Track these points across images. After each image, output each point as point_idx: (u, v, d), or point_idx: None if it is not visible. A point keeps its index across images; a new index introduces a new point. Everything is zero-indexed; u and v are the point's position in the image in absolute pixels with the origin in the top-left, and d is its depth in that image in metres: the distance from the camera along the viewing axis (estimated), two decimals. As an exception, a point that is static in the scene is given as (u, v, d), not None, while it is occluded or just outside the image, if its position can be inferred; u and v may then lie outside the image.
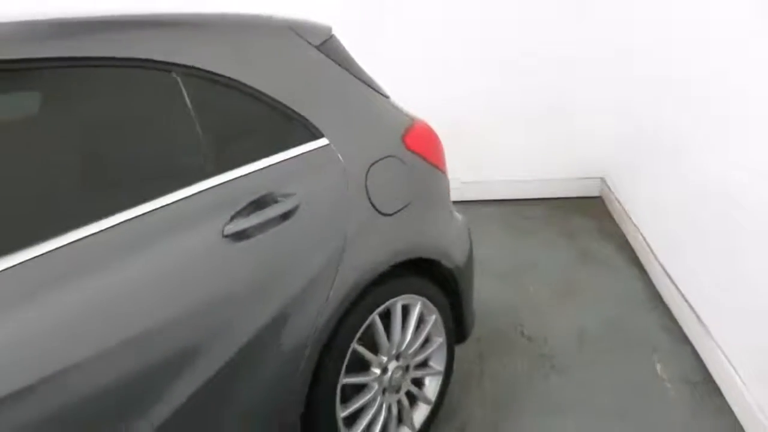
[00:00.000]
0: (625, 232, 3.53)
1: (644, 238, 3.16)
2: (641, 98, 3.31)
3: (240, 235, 1.43)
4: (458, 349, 2.20)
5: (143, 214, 1.29)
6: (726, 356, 2.21)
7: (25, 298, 1.12)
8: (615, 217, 3.75)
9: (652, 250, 3.03)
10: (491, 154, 4.01)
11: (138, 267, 1.26)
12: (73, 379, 1.15)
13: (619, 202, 3.67)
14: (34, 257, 1.13)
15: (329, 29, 1.86)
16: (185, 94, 1.42)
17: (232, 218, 1.43)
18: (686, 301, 2.57)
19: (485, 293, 2.84)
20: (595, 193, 4.10)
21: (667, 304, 2.79)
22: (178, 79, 1.42)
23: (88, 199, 1.26)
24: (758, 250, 1.96)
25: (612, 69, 3.68)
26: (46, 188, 1.21)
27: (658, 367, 2.40)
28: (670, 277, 2.77)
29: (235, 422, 1.48)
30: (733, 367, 2.16)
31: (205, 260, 1.38)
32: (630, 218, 3.43)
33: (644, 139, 3.25)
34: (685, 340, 2.55)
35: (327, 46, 1.80)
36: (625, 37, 3.49)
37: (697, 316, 2.46)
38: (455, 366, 2.17)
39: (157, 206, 1.32)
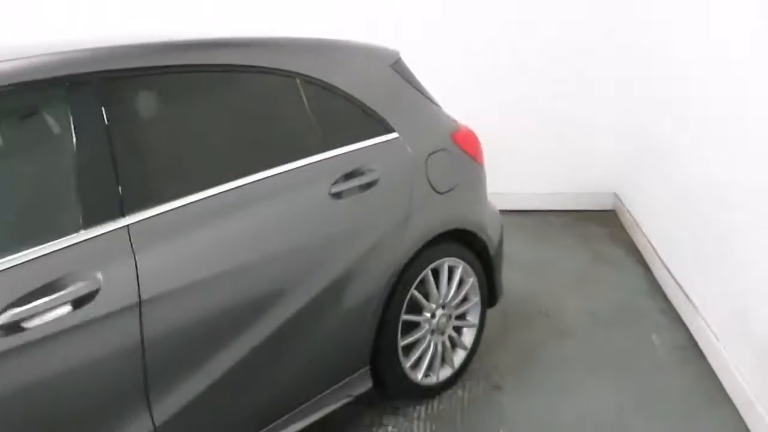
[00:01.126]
0: (634, 239, 4.05)
1: (649, 242, 3.69)
2: (651, 119, 3.86)
3: (339, 195, 2.03)
4: (487, 323, 2.73)
5: (279, 173, 1.90)
6: (710, 327, 2.72)
7: (221, 214, 1.72)
8: (626, 227, 4.27)
9: (655, 251, 3.55)
10: (512, 168, 4.54)
11: (278, 206, 1.87)
12: (220, 284, 1.72)
13: (630, 213, 4.20)
14: (226, 190, 1.74)
15: (398, 53, 2.47)
16: (303, 95, 2.03)
17: (335, 182, 2.02)
18: (681, 289, 3.08)
19: (511, 282, 3.37)
20: (609, 207, 4.63)
21: (665, 294, 3.30)
22: (298, 83, 2.03)
23: (248, 158, 1.86)
24: (742, 253, 2.47)
25: (628, 91, 4.24)
26: (229, 147, 1.83)
27: (654, 337, 2.91)
28: (669, 271, 3.29)
29: (325, 341, 2.04)
30: (714, 335, 2.66)
31: (317, 210, 1.97)
32: (639, 227, 3.95)
33: (652, 157, 3.79)
34: (678, 320, 3.05)
35: (396, 65, 2.42)
36: (642, 59, 4.04)
37: (689, 299, 2.97)
38: (485, 332, 2.70)
39: (287, 169, 1.92)
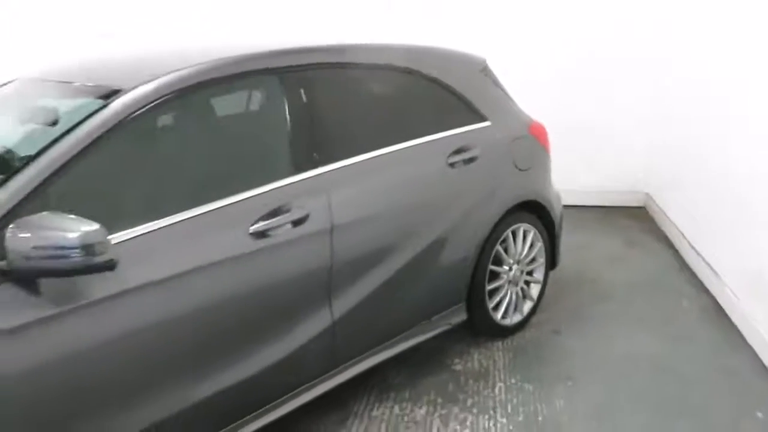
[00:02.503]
0: (663, 229, 4.67)
1: (678, 230, 4.31)
2: (678, 122, 4.51)
3: (453, 165, 2.68)
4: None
5: (414, 144, 2.56)
6: (731, 291, 3.34)
7: (376, 171, 2.38)
8: (656, 220, 4.90)
9: (684, 236, 4.18)
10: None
11: (415, 168, 2.55)
12: (378, 221, 2.38)
13: (659, 208, 4.83)
14: (379, 155, 2.40)
15: (485, 60, 3.14)
16: (425, 88, 2.70)
17: (450, 155, 2.68)
18: (707, 263, 3.71)
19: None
20: (639, 204, 5.26)
21: (692, 270, 3.92)
22: (422, 80, 2.69)
23: (391, 132, 2.53)
24: (760, 230, 3.09)
25: (657, 98, 4.88)
26: (379, 123, 2.50)
27: (684, 302, 3.54)
28: (695, 250, 3.91)
29: (438, 276, 2.69)
30: (735, 296, 3.29)
31: (439, 175, 2.65)
32: (668, 218, 4.58)
33: (681, 156, 4.43)
34: (704, 289, 3.67)
35: (485, 69, 3.08)
36: (668, 65, 4.69)
37: (713, 270, 3.59)
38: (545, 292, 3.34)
39: (419, 142, 2.59)
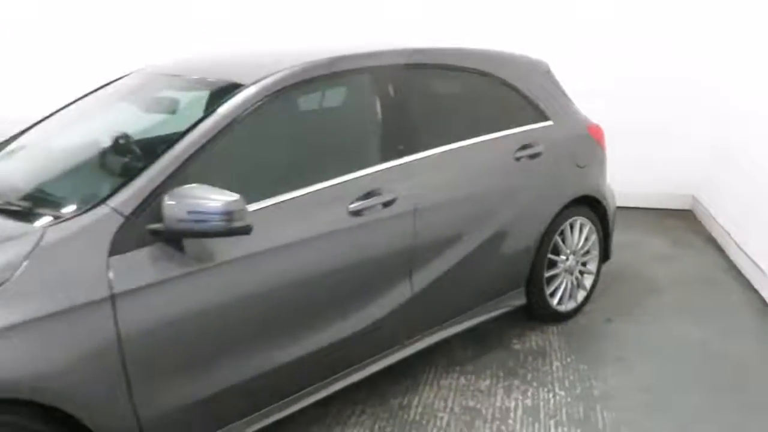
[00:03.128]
0: (710, 230, 4.83)
1: (726, 231, 4.47)
2: (724, 127, 4.66)
3: (519, 160, 2.94)
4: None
5: (486, 140, 2.83)
6: (778, 288, 3.52)
7: (453, 161, 2.66)
8: (703, 222, 5.05)
9: (731, 237, 4.34)
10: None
11: (486, 160, 2.81)
12: (454, 207, 2.65)
13: (706, 210, 4.99)
14: (456, 147, 2.68)
15: (548, 64, 3.38)
16: (497, 89, 2.96)
17: (516, 150, 2.94)
18: (754, 262, 3.87)
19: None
20: (686, 207, 5.42)
21: (739, 269, 4.09)
22: (494, 81, 2.96)
23: (465, 128, 2.80)
24: None
25: (704, 105, 5.04)
26: (456, 119, 2.77)
27: (732, 297, 3.72)
28: (743, 251, 4.08)
29: (503, 260, 2.95)
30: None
31: (507, 167, 2.91)
32: (716, 221, 4.74)
33: (728, 161, 4.59)
34: (751, 287, 3.84)
35: (548, 73, 3.33)
36: (715, 74, 4.86)
37: (760, 269, 3.76)
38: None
39: (490, 137, 2.85)
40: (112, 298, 1.79)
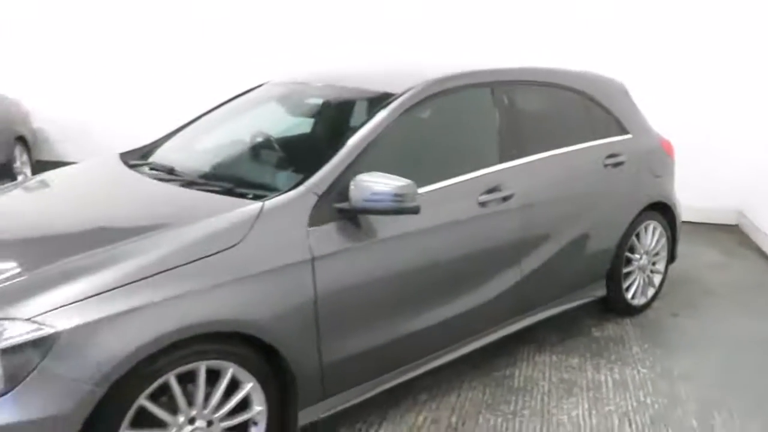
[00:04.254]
0: (758, 243, 5.21)
1: (774, 243, 4.85)
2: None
3: (606, 167, 3.37)
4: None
5: (579, 148, 3.27)
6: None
7: (550, 166, 3.09)
8: (751, 235, 5.43)
9: (780, 249, 4.73)
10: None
11: (580, 166, 3.24)
12: (556, 204, 3.09)
13: (754, 224, 5.36)
14: (555, 154, 3.12)
15: (623, 84, 3.82)
16: (586, 105, 3.41)
17: (605, 158, 3.37)
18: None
19: (667, 258, 4.60)
20: (732, 222, 5.79)
21: (790, 278, 4.47)
22: (584, 98, 3.40)
23: (561, 137, 3.24)
24: None
25: (752, 116, 5.44)
26: (553, 130, 3.21)
27: (785, 300, 4.11)
28: (793, 260, 4.46)
29: (590, 254, 3.36)
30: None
31: (597, 173, 3.34)
32: (764, 233, 5.11)
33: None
34: (802, 293, 4.23)
35: (626, 92, 3.77)
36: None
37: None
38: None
39: (583, 146, 3.30)
40: (312, 261, 2.24)
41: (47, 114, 7.29)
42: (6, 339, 1.77)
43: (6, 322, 1.80)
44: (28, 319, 1.80)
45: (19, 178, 6.47)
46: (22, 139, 6.61)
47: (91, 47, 7.21)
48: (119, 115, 7.21)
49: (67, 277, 1.92)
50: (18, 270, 1.99)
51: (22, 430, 1.75)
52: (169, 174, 2.73)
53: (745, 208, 5.70)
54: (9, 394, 1.76)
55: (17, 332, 1.78)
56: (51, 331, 1.79)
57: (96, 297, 1.88)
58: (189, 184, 2.58)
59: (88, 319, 1.84)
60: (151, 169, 2.83)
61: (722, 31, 5.52)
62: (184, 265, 2.02)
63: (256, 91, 3.38)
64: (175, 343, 1.96)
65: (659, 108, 5.57)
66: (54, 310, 1.83)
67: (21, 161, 6.54)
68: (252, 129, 3.00)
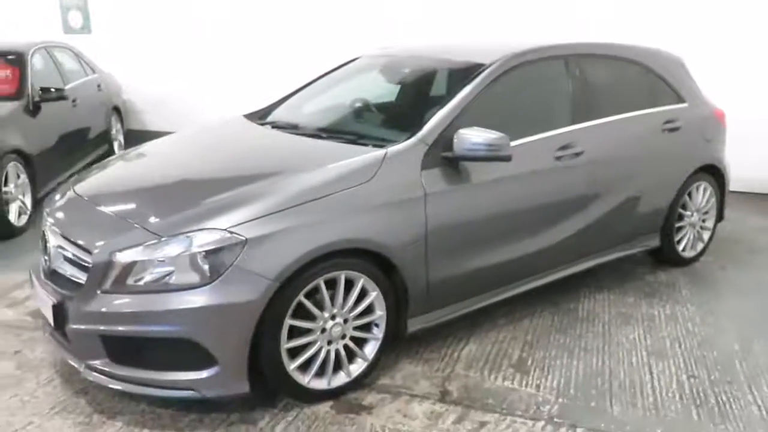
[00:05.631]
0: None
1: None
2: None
3: (663, 131, 3.85)
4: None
5: (642, 114, 3.75)
6: None
7: (614, 130, 3.60)
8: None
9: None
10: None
11: (642, 130, 3.73)
12: (623, 165, 3.59)
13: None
14: (618, 119, 3.62)
15: (681, 58, 4.26)
16: (640, 74, 3.88)
17: (663, 124, 3.85)
18: None
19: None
20: (780, 192, 6.15)
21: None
22: (645, 71, 3.87)
23: (625, 103, 3.72)
24: None
25: None
26: (616, 97, 3.70)
27: (826, 258, 4.52)
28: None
29: (647, 208, 3.84)
30: None
31: (656, 136, 3.83)
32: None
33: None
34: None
35: (683, 66, 4.22)
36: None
37: None
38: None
39: (645, 112, 3.78)
40: (425, 197, 2.82)
41: (133, 87, 8.02)
42: (210, 243, 2.40)
43: (209, 232, 2.43)
44: (225, 230, 2.43)
45: (115, 144, 7.24)
46: (116, 110, 7.37)
47: (169, 25, 7.88)
48: (194, 89, 7.89)
49: (245, 201, 2.55)
50: (206, 197, 2.62)
51: (223, 310, 2.39)
52: (295, 129, 3.34)
53: (793, 179, 6.05)
54: (213, 283, 2.39)
55: (218, 239, 2.41)
56: (241, 238, 2.41)
57: (269, 216, 2.50)
58: (316, 136, 3.18)
59: (266, 232, 2.45)
60: (280, 126, 3.44)
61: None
62: (332, 194, 2.63)
63: (355, 62, 3.96)
64: (324, 255, 2.56)
65: (717, 83, 5.96)
66: (241, 224, 2.45)
67: (116, 129, 7.31)
68: (362, 93, 3.58)
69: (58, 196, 3.02)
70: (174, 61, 7.97)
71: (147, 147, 3.56)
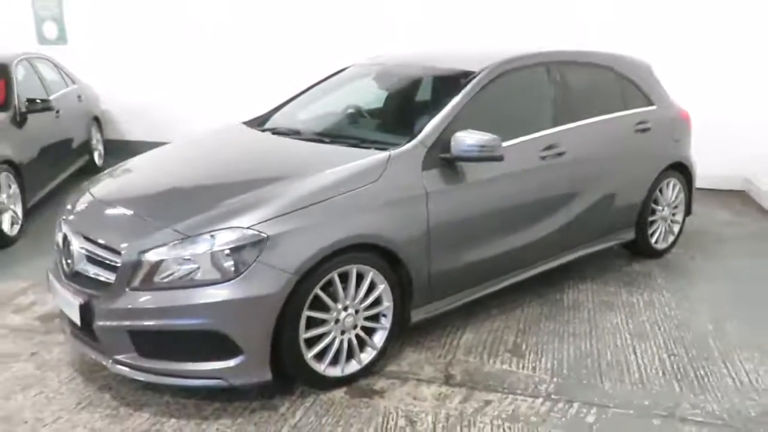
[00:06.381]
0: (764, 206, 6.00)
1: (776, 203, 5.64)
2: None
3: (636, 132, 4.17)
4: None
5: (614, 116, 4.08)
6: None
7: (587, 131, 3.90)
8: (756, 200, 6.22)
9: (781, 207, 5.51)
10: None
11: (614, 131, 4.07)
12: (600, 164, 3.90)
13: (760, 189, 6.15)
14: (592, 122, 3.92)
15: (649, 64, 4.61)
16: (618, 82, 4.20)
17: (635, 125, 4.17)
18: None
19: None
20: (739, 188, 6.58)
21: (789, 231, 5.27)
22: (615, 76, 4.20)
23: (596, 107, 4.04)
24: None
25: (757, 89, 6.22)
26: (590, 101, 4.01)
27: (784, 247, 4.91)
28: (792, 216, 5.25)
29: (620, 204, 4.16)
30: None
31: (628, 137, 4.15)
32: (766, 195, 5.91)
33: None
34: (799, 242, 5.03)
35: (650, 70, 4.56)
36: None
37: (807, 227, 4.93)
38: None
39: (617, 115, 4.11)
40: (426, 195, 3.05)
41: (110, 97, 8.07)
42: (234, 241, 2.59)
43: (232, 230, 2.62)
44: (247, 228, 2.62)
45: (95, 154, 7.30)
46: (96, 120, 7.44)
47: (145, 35, 7.95)
48: (171, 99, 7.97)
49: (263, 201, 2.74)
50: (225, 199, 2.80)
51: (247, 303, 2.57)
52: (297, 135, 3.54)
53: (751, 176, 6.48)
54: (238, 278, 2.57)
55: (241, 236, 2.60)
56: (263, 235, 2.61)
57: (287, 214, 2.70)
58: (319, 141, 3.39)
59: (285, 229, 2.65)
60: (281, 132, 3.64)
61: (734, 17, 6.28)
62: (343, 194, 2.84)
63: (347, 71, 4.19)
64: (337, 250, 2.77)
65: (679, 86, 6.37)
66: (262, 222, 2.65)
67: (96, 139, 7.37)
68: (358, 100, 3.81)
69: (75, 201, 3.16)
70: (151, 71, 8.05)
71: (153, 154, 3.70)
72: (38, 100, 5.60)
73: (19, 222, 5.01)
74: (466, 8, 6.88)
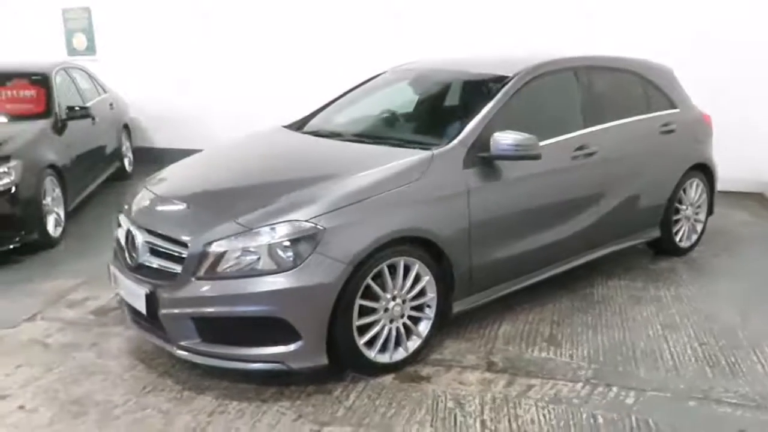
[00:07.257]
0: (780, 207, 6.16)
1: (795, 204, 5.79)
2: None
3: (662, 133, 4.35)
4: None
5: (640, 119, 4.25)
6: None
7: (615, 132, 4.08)
8: (773, 201, 6.38)
9: (800, 208, 5.66)
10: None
11: (641, 132, 4.22)
12: (629, 164, 4.07)
13: (776, 191, 6.31)
14: (620, 123, 4.10)
15: (672, 69, 4.79)
16: (643, 86, 4.39)
17: (660, 127, 4.35)
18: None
19: (704, 216, 5.55)
20: (759, 190, 6.72)
21: (809, 230, 5.42)
22: (641, 80, 4.38)
23: (623, 110, 4.21)
24: None
25: None
26: (617, 104, 4.19)
27: (805, 246, 5.05)
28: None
29: (645, 204, 4.33)
30: None
31: (654, 138, 4.33)
32: (784, 198, 6.06)
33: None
34: (819, 241, 5.17)
35: (673, 75, 4.74)
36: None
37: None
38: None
39: (643, 117, 4.28)
40: (468, 192, 3.24)
41: (137, 106, 8.31)
42: (294, 233, 2.78)
43: (291, 223, 2.81)
44: (307, 221, 2.81)
45: (126, 160, 7.53)
46: (126, 127, 7.68)
47: (172, 45, 8.20)
48: (197, 109, 8.19)
49: (319, 197, 2.94)
50: (282, 194, 3.00)
51: (306, 291, 2.76)
52: (338, 136, 3.74)
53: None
54: (297, 268, 2.76)
55: (300, 228, 2.79)
56: (321, 228, 2.80)
57: (342, 209, 2.89)
58: (361, 142, 3.59)
59: (339, 222, 2.85)
60: (322, 134, 3.84)
61: (750, 21, 6.45)
62: (392, 190, 3.03)
63: (382, 76, 4.40)
64: (387, 243, 2.95)
65: (700, 91, 6.55)
66: (319, 215, 2.84)
67: (126, 146, 7.60)
68: (395, 103, 4.01)
69: (134, 198, 3.36)
70: (177, 80, 8.27)
71: (202, 155, 3.93)
72: (77, 108, 5.84)
73: (62, 224, 5.22)
74: (481, 9, 7.08)
